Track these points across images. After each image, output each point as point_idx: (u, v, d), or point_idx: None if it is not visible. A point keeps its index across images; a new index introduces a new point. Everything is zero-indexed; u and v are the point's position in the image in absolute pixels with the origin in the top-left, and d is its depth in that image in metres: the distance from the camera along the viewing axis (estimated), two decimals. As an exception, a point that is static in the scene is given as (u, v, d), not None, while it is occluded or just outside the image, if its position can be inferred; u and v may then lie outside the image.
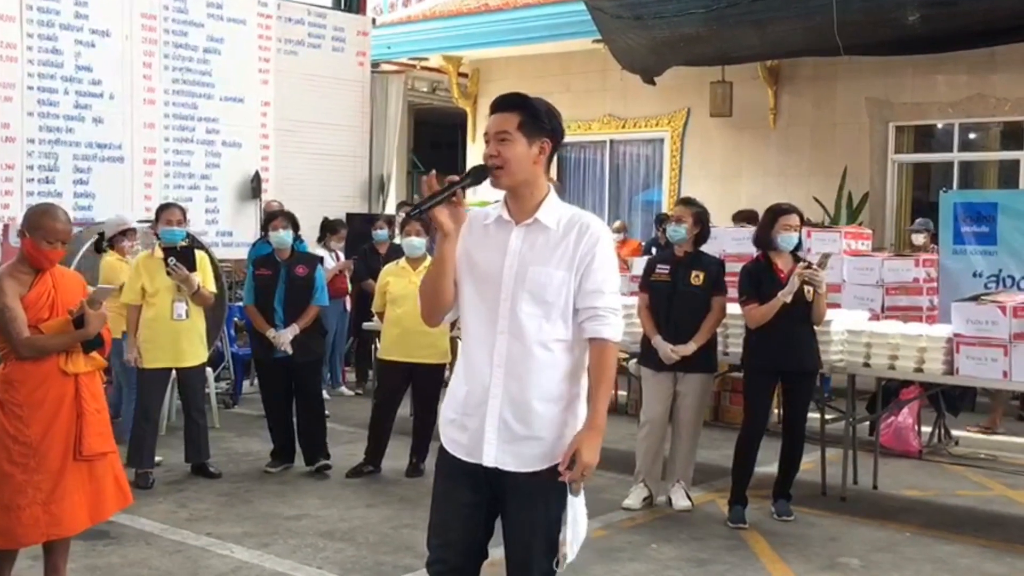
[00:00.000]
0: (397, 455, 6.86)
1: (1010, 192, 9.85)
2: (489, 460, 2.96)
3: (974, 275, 7.43)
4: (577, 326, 2.97)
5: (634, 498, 6.10)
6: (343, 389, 9.92)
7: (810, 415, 6.06)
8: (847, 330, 6.30)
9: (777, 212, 5.87)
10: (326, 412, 7.25)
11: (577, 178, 14.57)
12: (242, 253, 9.81)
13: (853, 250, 8.04)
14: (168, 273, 6.41)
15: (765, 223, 5.91)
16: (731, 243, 8.04)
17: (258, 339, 6.92)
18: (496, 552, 3.09)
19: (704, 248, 6.18)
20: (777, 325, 5.69)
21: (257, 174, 10.75)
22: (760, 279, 5.79)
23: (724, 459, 6.50)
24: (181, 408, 6.91)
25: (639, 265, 7.07)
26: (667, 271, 6.09)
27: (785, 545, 5.47)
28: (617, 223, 12.18)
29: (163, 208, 6.74)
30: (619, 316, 3.00)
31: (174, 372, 6.70)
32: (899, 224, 12.10)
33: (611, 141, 14.19)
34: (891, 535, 5.72)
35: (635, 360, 6.93)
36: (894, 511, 6.19)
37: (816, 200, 11.46)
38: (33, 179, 9.30)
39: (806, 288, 5.70)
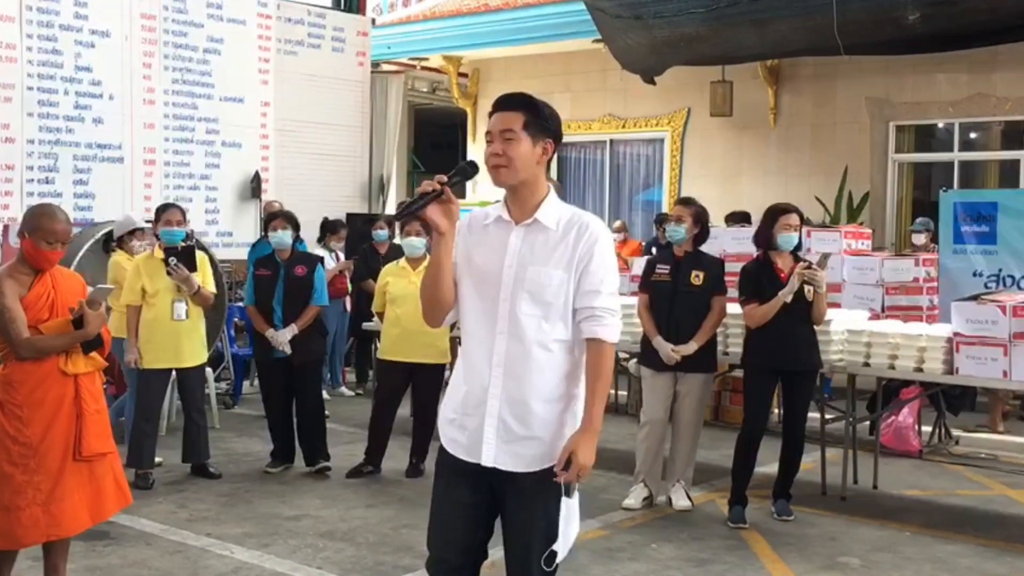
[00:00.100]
0: (397, 455, 6.86)
1: (1010, 192, 9.83)
2: (488, 460, 2.96)
3: (974, 274, 7.44)
4: (575, 326, 2.97)
5: (634, 498, 6.10)
6: (343, 389, 9.91)
7: (810, 415, 6.06)
8: (847, 330, 6.29)
9: (777, 212, 5.86)
10: (326, 412, 7.24)
11: (577, 178, 14.56)
12: (242, 253, 9.82)
13: (853, 250, 8.05)
14: (168, 273, 6.40)
15: (765, 223, 5.90)
16: (731, 243, 8.04)
17: (259, 339, 6.93)
18: (496, 552, 3.09)
19: (704, 248, 6.18)
20: (777, 325, 5.69)
21: (257, 174, 10.75)
22: (760, 279, 5.78)
23: (724, 459, 6.50)
24: (181, 408, 6.91)
25: (639, 265, 7.07)
26: (667, 271, 6.08)
27: (785, 545, 5.46)
28: (617, 223, 12.17)
29: (163, 208, 6.73)
30: (617, 317, 2.99)
31: (174, 372, 6.70)
32: (899, 224, 12.10)
33: (611, 141, 14.19)
34: (891, 535, 5.71)
35: (635, 360, 6.93)
36: (894, 511, 6.19)
37: (818, 200, 11.47)
38: (33, 180, 9.32)
39: (806, 288, 5.70)
